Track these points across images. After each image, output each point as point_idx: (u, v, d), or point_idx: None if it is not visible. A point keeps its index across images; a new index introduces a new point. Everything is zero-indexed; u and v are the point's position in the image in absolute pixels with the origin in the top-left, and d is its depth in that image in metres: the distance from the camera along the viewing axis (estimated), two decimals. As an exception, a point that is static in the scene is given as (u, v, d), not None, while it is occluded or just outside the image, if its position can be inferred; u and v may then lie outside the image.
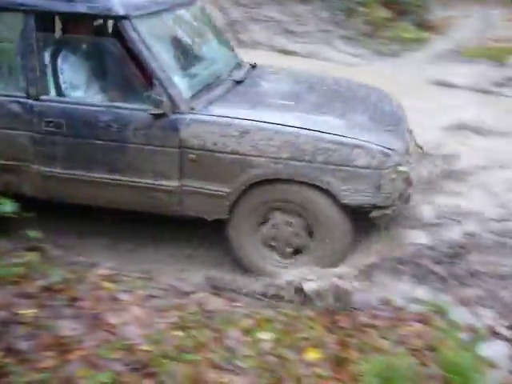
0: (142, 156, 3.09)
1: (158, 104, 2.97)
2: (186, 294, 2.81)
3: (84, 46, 3.44)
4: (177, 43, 3.44)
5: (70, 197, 3.34)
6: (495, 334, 2.50)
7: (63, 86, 3.24)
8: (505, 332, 2.50)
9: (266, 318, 2.59)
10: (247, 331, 2.48)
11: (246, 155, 2.95)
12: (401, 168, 2.92)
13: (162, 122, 3.01)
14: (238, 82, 3.49)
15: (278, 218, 3.08)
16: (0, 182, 3.32)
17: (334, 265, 3.02)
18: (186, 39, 3.55)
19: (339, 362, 2.29)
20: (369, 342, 2.40)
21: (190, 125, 2.99)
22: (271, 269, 3.13)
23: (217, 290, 2.91)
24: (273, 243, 3.16)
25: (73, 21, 3.35)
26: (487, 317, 2.61)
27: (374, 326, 2.51)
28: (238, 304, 2.75)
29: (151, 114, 2.98)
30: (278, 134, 2.94)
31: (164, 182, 3.11)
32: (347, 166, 2.87)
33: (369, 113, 3.36)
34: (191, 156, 3.03)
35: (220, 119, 3.01)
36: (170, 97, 2.98)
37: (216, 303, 2.72)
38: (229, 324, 2.51)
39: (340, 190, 2.89)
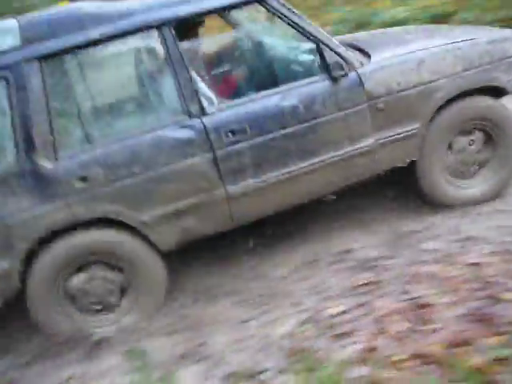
0: (335, 125, 2.97)
1: (338, 67, 2.92)
2: None
3: (229, 41, 3.40)
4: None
5: (265, 208, 3.03)
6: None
7: (226, 90, 3.05)
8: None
9: None
10: None
11: (428, 83, 3.04)
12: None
13: (345, 83, 2.94)
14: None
15: (461, 140, 3.29)
16: (170, 238, 2.86)
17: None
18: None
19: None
20: None
21: (371, 75, 2.99)
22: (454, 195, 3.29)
23: None
24: (458, 167, 3.31)
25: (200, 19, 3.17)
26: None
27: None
28: None
29: (336, 76, 2.92)
30: (448, 52, 3.12)
31: (361, 144, 3.02)
32: (507, 57, 3.24)
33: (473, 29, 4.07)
34: (379, 105, 3.02)
35: (394, 59, 3.07)
36: (343, 58, 2.94)
37: None
38: None
39: (506, 82, 3.24)
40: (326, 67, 2.93)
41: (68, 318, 2.82)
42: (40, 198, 2.63)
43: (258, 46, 3.40)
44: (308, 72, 3.02)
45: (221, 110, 2.82)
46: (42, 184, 2.64)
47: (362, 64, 3.01)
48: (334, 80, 2.93)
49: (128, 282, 2.91)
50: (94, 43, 2.71)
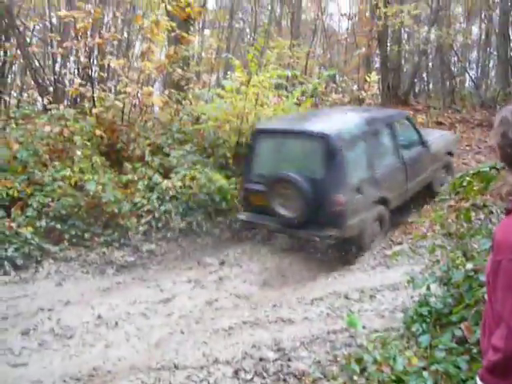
0: (425, 164, 8.25)
1: (426, 144, 8.31)
2: None
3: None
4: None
5: (412, 193, 8.07)
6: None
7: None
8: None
9: None
10: None
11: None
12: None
13: (427, 149, 8.28)
14: None
15: None
16: (392, 205, 7.63)
17: None
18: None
19: None
20: None
21: (431, 146, 8.45)
22: None
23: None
24: None
25: None
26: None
27: None
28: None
29: (427, 147, 8.33)
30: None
31: (428, 170, 8.37)
32: None
33: None
34: (432, 158, 8.46)
35: (434, 141, 8.86)
36: (428, 143, 8.36)
37: None
38: None
39: None
40: (424, 144, 8.22)
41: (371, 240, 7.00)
42: (373, 189, 6.93)
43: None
44: (420, 145, 8.20)
45: (404, 156, 7.57)
46: (374, 184, 6.99)
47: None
48: (426, 148, 8.18)
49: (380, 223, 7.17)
50: (377, 130, 7.43)
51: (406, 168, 7.49)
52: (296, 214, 6.46)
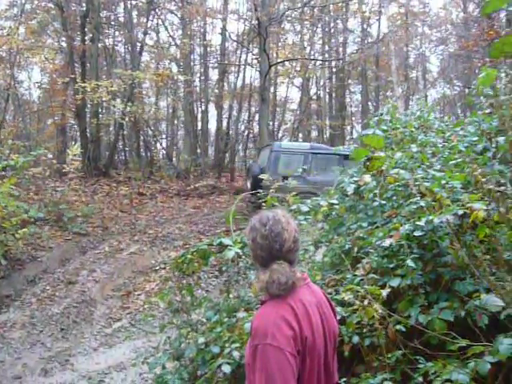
0: None
1: None
2: None
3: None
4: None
5: None
6: None
7: None
8: None
9: None
10: None
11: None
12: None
13: None
14: None
15: None
16: None
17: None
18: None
19: None
20: None
21: None
22: None
23: None
24: None
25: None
26: None
27: None
28: None
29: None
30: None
31: None
32: None
33: None
34: None
35: None
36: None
37: None
38: None
39: None
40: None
41: None
42: (302, 182, 10.44)
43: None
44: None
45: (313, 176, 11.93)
46: (304, 180, 11.19)
47: None
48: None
49: None
50: (319, 154, 12.38)
51: None
52: (249, 183, 12.18)
